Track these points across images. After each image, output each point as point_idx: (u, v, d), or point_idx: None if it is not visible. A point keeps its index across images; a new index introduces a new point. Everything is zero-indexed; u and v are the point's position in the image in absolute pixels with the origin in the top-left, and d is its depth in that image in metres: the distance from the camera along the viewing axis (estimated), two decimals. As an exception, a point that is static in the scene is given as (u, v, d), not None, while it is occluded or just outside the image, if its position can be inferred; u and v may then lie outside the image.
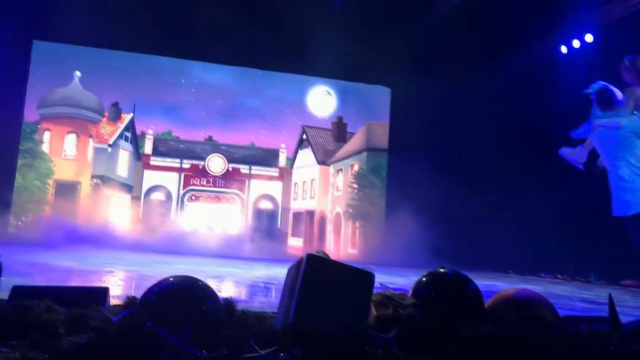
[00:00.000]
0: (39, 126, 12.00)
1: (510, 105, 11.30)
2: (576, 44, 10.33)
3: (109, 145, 12.45)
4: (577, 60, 10.29)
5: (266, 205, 13.53)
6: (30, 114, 11.93)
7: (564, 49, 10.61)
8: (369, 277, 2.16)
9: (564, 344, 1.94)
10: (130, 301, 2.18)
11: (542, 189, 10.02)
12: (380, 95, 13.83)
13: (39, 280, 4.44)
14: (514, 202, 10.57)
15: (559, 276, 9.93)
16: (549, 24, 10.47)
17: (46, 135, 12.07)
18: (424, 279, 2.46)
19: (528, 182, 10.12)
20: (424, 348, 1.91)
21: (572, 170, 9.56)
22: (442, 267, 2.51)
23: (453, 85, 11.65)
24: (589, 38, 10.08)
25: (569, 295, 6.14)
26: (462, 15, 10.53)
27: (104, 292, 2.46)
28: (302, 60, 11.86)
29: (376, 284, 2.23)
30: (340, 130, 13.88)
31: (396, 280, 6.39)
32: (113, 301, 2.61)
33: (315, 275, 2.11)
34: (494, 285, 6.69)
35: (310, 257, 2.16)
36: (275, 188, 13.56)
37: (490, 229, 10.85)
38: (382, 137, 13.72)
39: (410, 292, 2.44)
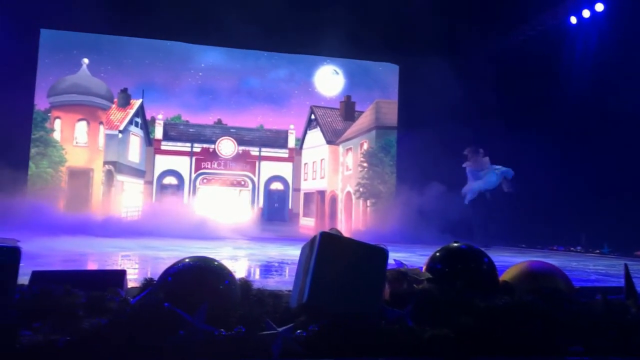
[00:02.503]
0: (49, 114, 12.06)
1: (519, 80, 11.19)
2: (586, 13, 10.16)
3: (120, 132, 12.49)
4: (587, 31, 10.14)
5: (277, 186, 13.57)
6: (40, 102, 11.99)
7: (573, 20, 10.44)
8: (382, 253, 2.17)
9: (580, 313, 1.95)
10: (147, 283, 2.21)
11: (553, 162, 9.96)
12: (389, 73, 13.72)
13: (57, 265, 4.50)
14: (525, 175, 10.51)
15: (572, 248, 9.91)
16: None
17: (57, 123, 12.13)
18: (437, 254, 2.46)
19: (538, 155, 10.05)
20: (440, 321, 1.92)
21: (583, 142, 9.54)
22: (456, 242, 2.52)
23: (462, 60, 11.55)
24: (599, 7, 9.91)
25: (582, 267, 6.13)
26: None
27: (121, 274, 2.49)
28: (308, 40, 11.79)
29: (390, 261, 2.24)
30: (348, 109, 13.82)
31: (409, 256, 6.41)
32: (130, 284, 2.65)
33: (329, 253, 2.12)
34: (506, 259, 6.69)
35: (323, 235, 2.17)
36: (285, 169, 13.58)
37: (501, 203, 10.83)
38: (391, 115, 13.65)
39: (424, 267, 2.45)
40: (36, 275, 2.38)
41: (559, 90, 10.17)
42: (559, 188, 9.85)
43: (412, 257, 6.35)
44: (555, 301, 2.03)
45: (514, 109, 11.23)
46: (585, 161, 9.56)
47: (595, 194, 9.11)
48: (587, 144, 9.53)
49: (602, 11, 9.87)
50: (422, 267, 2.46)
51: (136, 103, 12.70)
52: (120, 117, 12.54)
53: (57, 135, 12.09)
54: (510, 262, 2.83)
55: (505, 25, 11.32)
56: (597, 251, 9.29)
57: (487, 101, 11.38)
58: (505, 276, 2.43)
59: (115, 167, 12.36)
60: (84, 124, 12.30)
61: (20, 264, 2.48)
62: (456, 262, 2.39)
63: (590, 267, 6.17)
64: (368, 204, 13.51)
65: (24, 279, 2.30)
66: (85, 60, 12.26)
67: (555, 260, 6.71)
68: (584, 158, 9.60)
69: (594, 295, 2.19)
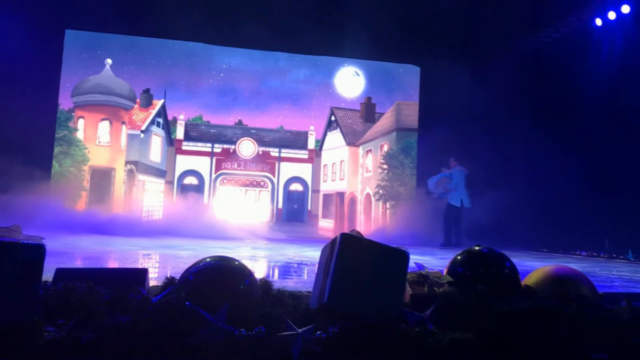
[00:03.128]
0: (73, 114, 12.23)
1: (543, 83, 11.07)
2: (612, 15, 10.01)
3: (142, 131, 12.61)
4: (612, 33, 9.99)
5: (296, 187, 13.59)
6: (64, 102, 12.16)
7: (598, 22, 10.30)
8: (403, 256, 2.16)
9: (604, 320, 1.92)
10: (169, 282, 2.22)
11: (577, 165, 9.83)
12: (410, 75, 13.67)
13: (79, 263, 4.55)
14: (548, 179, 10.40)
15: (595, 254, 9.77)
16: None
17: (80, 123, 12.29)
18: (459, 257, 2.45)
19: (562, 159, 9.93)
20: (461, 325, 1.90)
21: (607, 146, 9.40)
22: (478, 245, 2.49)
23: (484, 62, 11.46)
24: (625, 9, 9.75)
25: (606, 273, 6.04)
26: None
27: (143, 273, 2.51)
28: (329, 41, 11.80)
29: (411, 264, 2.23)
30: (369, 111, 13.79)
31: (429, 259, 6.38)
32: (151, 282, 2.67)
33: (350, 255, 2.12)
34: (528, 263, 6.62)
35: (344, 236, 2.17)
36: (305, 170, 13.59)
37: (523, 207, 10.72)
38: (411, 117, 13.59)
39: (446, 270, 2.43)
40: (60, 273, 2.41)
41: (583, 94, 10.04)
42: (582, 192, 9.71)
43: (433, 260, 6.31)
44: (579, 307, 2.00)
45: (536, 112, 11.12)
46: (609, 166, 9.43)
47: (620, 199, 8.98)
48: (612, 149, 9.39)
49: (629, 13, 9.71)
50: (443, 271, 2.45)
51: (158, 103, 12.82)
52: (142, 117, 12.67)
53: (80, 135, 12.25)
54: (532, 267, 2.80)
55: (528, 28, 11.21)
56: (622, 257, 9.14)
57: (509, 104, 11.29)
58: (527, 281, 2.40)
59: (137, 167, 12.48)
60: (106, 123, 12.45)
61: (44, 261, 2.51)
62: (478, 266, 2.37)
63: (614, 273, 6.07)
64: (388, 206, 13.46)
65: (47, 276, 2.34)
66: (109, 61, 12.40)
67: (578, 265, 6.63)
68: (607, 163, 9.46)
69: (619, 301, 2.16)
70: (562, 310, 1.96)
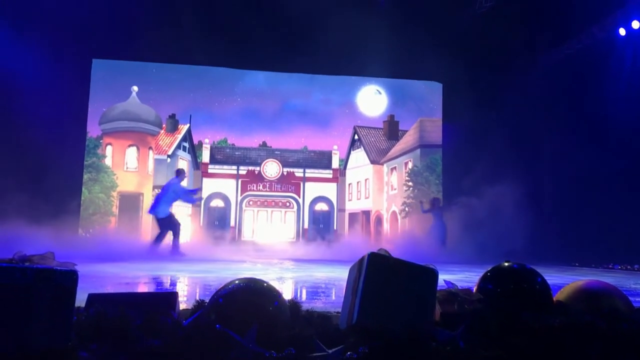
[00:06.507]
0: (101, 141, 12.48)
1: (566, 95, 10.95)
2: (635, 25, 9.89)
3: (168, 156, 12.80)
4: (636, 43, 9.87)
5: (322, 207, 13.60)
6: (92, 129, 12.42)
7: (622, 32, 10.18)
8: (432, 274, 2.15)
9: (640, 335, 1.87)
10: (199, 305, 2.24)
11: (606, 178, 9.67)
12: (432, 91, 13.66)
13: (110, 289, 4.61)
14: (577, 193, 10.23)
15: (629, 267, 9.54)
16: (605, 5, 10.09)
17: (108, 150, 12.53)
18: (488, 274, 2.42)
19: (591, 172, 9.77)
20: (493, 343, 1.88)
21: (639, 156, 9.23)
22: (507, 261, 2.46)
23: (506, 76, 11.39)
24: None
25: (641, 287, 5.89)
26: (514, 3, 10.29)
27: (173, 297, 2.53)
28: (351, 61, 11.89)
29: (440, 282, 2.21)
30: (392, 129, 13.80)
31: (458, 277, 6.31)
32: (181, 306, 2.69)
33: (378, 274, 2.11)
34: (560, 278, 6.49)
35: (371, 255, 2.17)
36: (330, 190, 13.60)
37: (552, 221, 10.56)
38: (435, 133, 13.55)
39: (475, 287, 2.41)
40: (92, 298, 2.45)
41: (609, 105, 9.90)
42: (614, 205, 9.53)
43: (461, 277, 6.24)
44: (614, 322, 1.96)
45: (562, 125, 10.99)
46: None
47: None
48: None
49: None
50: (472, 288, 2.42)
51: (184, 128, 13.02)
52: (168, 142, 12.87)
53: (108, 161, 12.49)
54: (564, 282, 2.75)
55: (550, 40, 11.14)
56: (657, 270, 8.91)
57: (532, 118, 11.18)
58: (559, 296, 2.36)
59: (164, 191, 12.63)
60: (134, 149, 12.67)
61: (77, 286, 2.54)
62: (508, 282, 2.34)
63: (650, 286, 5.92)
64: (414, 223, 13.36)
65: (80, 301, 2.37)
66: (135, 88, 12.67)
67: (611, 279, 6.47)
68: (638, 174, 9.29)
69: (656, 315, 2.10)
70: (595, 325, 1.92)
